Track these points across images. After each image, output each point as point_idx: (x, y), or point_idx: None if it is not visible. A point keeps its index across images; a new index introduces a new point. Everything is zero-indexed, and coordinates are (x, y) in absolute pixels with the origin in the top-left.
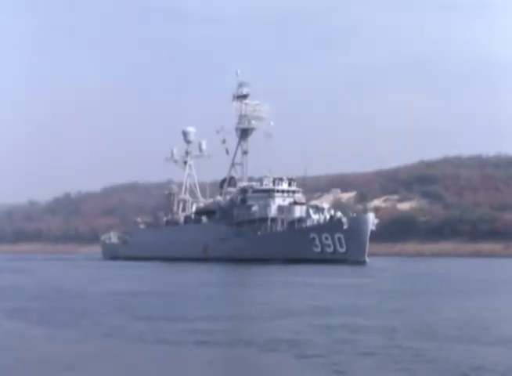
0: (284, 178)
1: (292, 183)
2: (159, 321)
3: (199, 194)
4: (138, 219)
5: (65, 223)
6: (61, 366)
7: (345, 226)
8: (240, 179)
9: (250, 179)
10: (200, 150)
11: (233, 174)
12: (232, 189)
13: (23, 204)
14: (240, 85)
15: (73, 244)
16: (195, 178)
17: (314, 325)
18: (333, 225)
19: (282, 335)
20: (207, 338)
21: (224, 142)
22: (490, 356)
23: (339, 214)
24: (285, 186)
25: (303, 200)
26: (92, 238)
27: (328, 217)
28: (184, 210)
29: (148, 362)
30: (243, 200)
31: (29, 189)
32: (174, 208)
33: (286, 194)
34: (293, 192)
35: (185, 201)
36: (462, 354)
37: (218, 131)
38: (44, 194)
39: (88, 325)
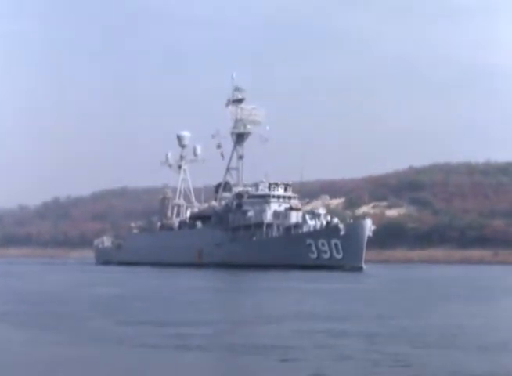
0: (280, 183)
1: (288, 189)
2: (142, 325)
3: (193, 199)
4: (132, 224)
5: (54, 228)
6: (39, 369)
7: (342, 232)
8: (236, 184)
9: (246, 185)
10: (195, 154)
11: (228, 179)
12: (227, 195)
13: (13, 208)
14: (236, 89)
15: (63, 249)
16: (189, 182)
17: (297, 330)
18: (329, 231)
19: (264, 340)
20: (189, 342)
21: (219, 146)
22: (469, 361)
23: (335, 220)
24: (281, 191)
25: (299, 206)
26: (82, 243)
27: (324, 223)
28: (178, 215)
29: (126, 365)
30: (239, 206)
31: (19, 194)
32: (169, 213)
33: (282, 200)
34: (289, 198)
35: (179, 206)
36: (441, 359)
37: (213, 136)
38: (33, 199)
39: (71, 328)
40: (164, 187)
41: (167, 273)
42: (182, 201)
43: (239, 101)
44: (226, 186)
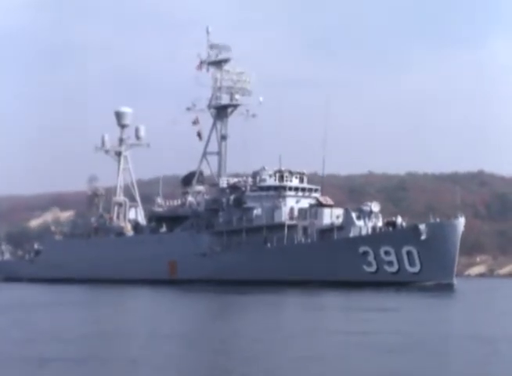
0: (294, 171)
1: (304, 179)
2: None
3: (137, 196)
4: (53, 228)
5: None
6: None
7: (423, 236)
8: (217, 174)
9: (230, 175)
10: (138, 136)
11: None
12: (199, 188)
13: None
14: (213, 47)
15: None
16: (132, 174)
17: None
18: (401, 234)
19: None
20: None
21: (196, 122)
22: None
23: (399, 219)
24: (296, 182)
25: (330, 202)
26: None
27: (380, 223)
28: (118, 217)
29: None
30: (238, 202)
31: None
32: (112, 215)
33: (300, 193)
34: (310, 190)
35: (120, 205)
36: None
37: (188, 109)
38: None
39: None
40: (91, 180)
41: (121, 294)
42: (124, 199)
43: (220, 62)
44: (199, 178)
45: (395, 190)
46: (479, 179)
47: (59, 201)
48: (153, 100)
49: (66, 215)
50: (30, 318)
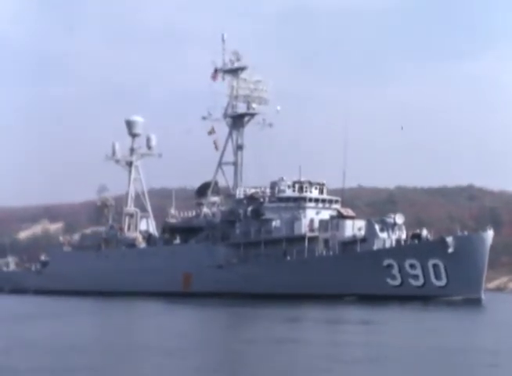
0: (314, 182)
1: (324, 190)
2: None
3: (148, 206)
4: (61, 238)
5: None
6: None
7: (450, 249)
8: (235, 186)
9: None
10: (149, 146)
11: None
12: (214, 199)
13: None
14: (230, 55)
15: None
16: (143, 184)
17: None
18: (428, 247)
19: None
20: None
21: (212, 132)
22: None
23: (425, 232)
24: (315, 193)
25: (352, 213)
26: None
27: (404, 236)
28: (129, 228)
29: None
30: (256, 213)
31: None
32: (123, 226)
33: (320, 205)
34: (330, 201)
35: (131, 216)
36: None
37: (204, 118)
38: None
39: None
40: (101, 190)
41: (132, 307)
42: (135, 209)
43: (236, 71)
44: (214, 188)
45: (384, 204)
46: (468, 193)
47: (49, 213)
48: (165, 110)
49: (56, 226)
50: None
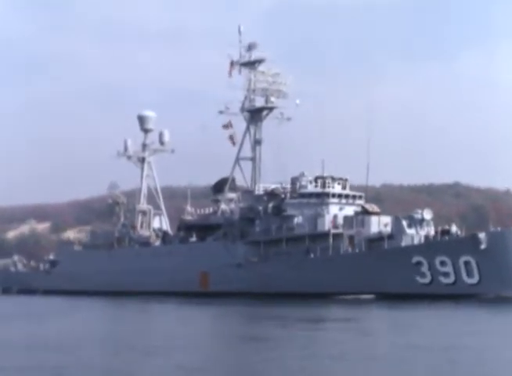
0: (336, 178)
1: (346, 186)
2: None
3: (162, 203)
4: (70, 236)
5: None
6: None
7: (483, 246)
8: (253, 181)
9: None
10: (162, 142)
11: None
12: (232, 195)
13: None
14: (247, 48)
15: None
16: (156, 180)
17: None
18: (459, 243)
19: None
20: None
21: (228, 126)
22: None
23: (454, 228)
24: (338, 188)
25: (376, 209)
26: None
27: (432, 232)
28: (142, 226)
29: None
30: (277, 209)
31: None
32: (136, 223)
33: (344, 200)
34: (354, 197)
35: (144, 213)
36: None
37: (220, 112)
38: None
39: None
40: (111, 187)
41: (147, 307)
42: (148, 207)
43: (254, 63)
44: (231, 184)
45: (371, 202)
46: (455, 191)
47: (36, 213)
48: (179, 105)
49: (43, 226)
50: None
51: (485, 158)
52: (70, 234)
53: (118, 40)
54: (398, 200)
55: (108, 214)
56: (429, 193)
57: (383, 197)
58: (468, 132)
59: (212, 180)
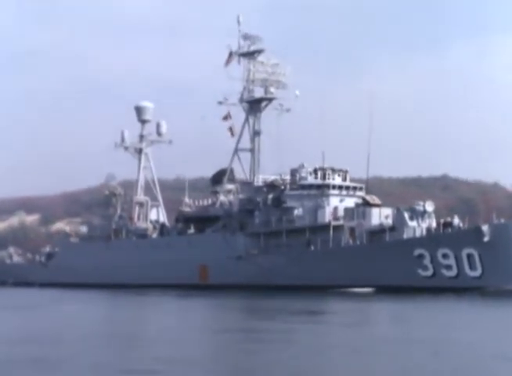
0: (336, 169)
1: (347, 177)
2: None
3: (159, 195)
4: (67, 228)
5: None
6: None
7: (486, 238)
8: (252, 173)
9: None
10: (159, 133)
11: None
12: (230, 187)
13: None
14: (245, 38)
15: None
16: (153, 172)
17: None
18: (462, 236)
19: None
20: None
21: (227, 117)
22: None
23: (456, 220)
24: (338, 180)
25: (377, 201)
26: None
27: (434, 224)
28: (139, 217)
29: None
30: (277, 201)
31: None
32: (133, 215)
33: (344, 192)
34: (354, 189)
35: (141, 205)
36: None
37: (220, 103)
38: None
39: None
40: (108, 179)
41: (146, 300)
42: (145, 198)
43: (253, 54)
44: (230, 176)
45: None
46: (443, 183)
47: (25, 205)
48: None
49: (32, 218)
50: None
51: (474, 151)
52: (60, 226)
53: (115, 31)
54: (388, 193)
55: (103, 205)
56: (417, 186)
57: (372, 190)
58: (457, 126)
59: (209, 172)
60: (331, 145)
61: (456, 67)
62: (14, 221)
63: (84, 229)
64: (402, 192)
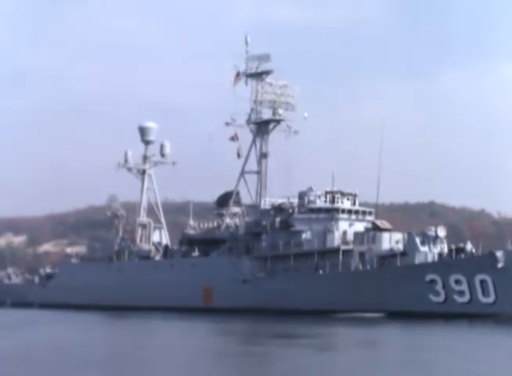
0: (345, 193)
1: (356, 201)
2: None
3: (162, 217)
4: (68, 250)
5: None
6: None
7: (500, 264)
8: (259, 195)
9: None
10: (162, 154)
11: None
12: (236, 210)
13: None
14: (253, 59)
15: None
16: (156, 193)
17: None
18: (475, 262)
19: None
20: None
21: (235, 138)
22: None
23: (469, 245)
24: (347, 204)
25: (388, 226)
26: None
27: (447, 249)
28: (141, 239)
29: None
30: (285, 224)
31: None
32: (136, 237)
33: (354, 216)
34: (364, 213)
35: (144, 226)
36: None
37: (227, 124)
38: None
39: None
40: (111, 200)
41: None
42: (148, 220)
43: (261, 74)
44: (235, 198)
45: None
46: (430, 210)
47: (12, 226)
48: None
49: (19, 239)
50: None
51: (460, 178)
52: (46, 247)
53: (122, 50)
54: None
55: (107, 227)
56: (404, 212)
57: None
58: (443, 152)
59: (214, 195)
60: (340, 168)
61: (442, 93)
62: (1, 242)
63: (64, 250)
64: (389, 217)
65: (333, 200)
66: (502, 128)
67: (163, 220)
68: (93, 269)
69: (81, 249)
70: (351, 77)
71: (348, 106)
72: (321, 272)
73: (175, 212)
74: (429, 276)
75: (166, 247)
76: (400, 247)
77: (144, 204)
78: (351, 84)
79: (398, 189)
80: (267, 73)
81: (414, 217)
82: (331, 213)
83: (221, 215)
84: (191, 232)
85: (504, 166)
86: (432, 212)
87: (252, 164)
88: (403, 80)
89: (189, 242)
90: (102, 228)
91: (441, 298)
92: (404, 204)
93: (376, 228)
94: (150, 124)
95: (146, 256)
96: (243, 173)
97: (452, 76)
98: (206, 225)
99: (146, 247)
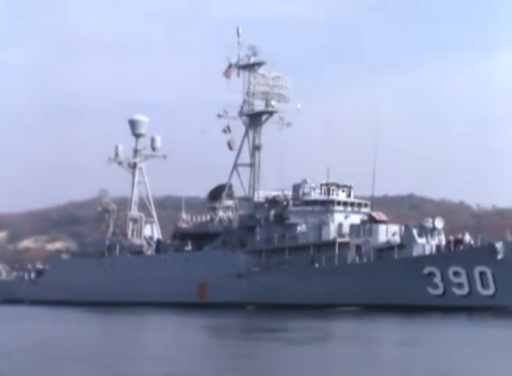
0: (340, 185)
1: (351, 193)
2: None
3: (153, 211)
4: (58, 245)
5: None
6: None
7: (500, 256)
8: (252, 188)
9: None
10: (153, 147)
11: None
12: (229, 203)
13: None
14: (247, 48)
15: None
16: (148, 187)
17: None
18: (474, 253)
19: None
20: None
21: (227, 130)
22: None
23: (467, 237)
24: (343, 196)
25: (384, 218)
26: None
27: (444, 242)
28: (133, 234)
29: None
30: (280, 217)
31: None
32: (127, 231)
33: (349, 208)
34: (359, 205)
35: (135, 221)
36: None
37: (219, 116)
38: None
39: None
40: (101, 195)
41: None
42: (139, 214)
43: (253, 66)
44: (229, 191)
45: None
46: (409, 202)
47: None
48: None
49: (0, 235)
50: None
51: (439, 170)
52: (27, 243)
53: (115, 45)
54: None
55: (97, 222)
56: (384, 205)
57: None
58: (424, 145)
59: (206, 188)
60: (335, 160)
61: (421, 85)
62: None
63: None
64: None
65: (328, 192)
66: (482, 121)
67: (154, 214)
68: (84, 265)
69: (61, 245)
70: (343, 69)
71: (342, 96)
72: (317, 265)
73: (168, 206)
74: (427, 269)
75: (158, 241)
76: (397, 239)
77: (135, 198)
78: (342, 74)
79: (376, 183)
80: (259, 64)
81: (394, 210)
82: (326, 205)
83: (213, 209)
84: (183, 226)
85: (485, 159)
86: (411, 205)
87: (245, 157)
88: (383, 72)
89: (182, 236)
90: (83, 224)
91: (440, 291)
92: (383, 197)
93: (372, 220)
94: (141, 117)
95: (138, 251)
96: (235, 166)
97: (430, 68)
98: (199, 218)
99: (137, 241)
